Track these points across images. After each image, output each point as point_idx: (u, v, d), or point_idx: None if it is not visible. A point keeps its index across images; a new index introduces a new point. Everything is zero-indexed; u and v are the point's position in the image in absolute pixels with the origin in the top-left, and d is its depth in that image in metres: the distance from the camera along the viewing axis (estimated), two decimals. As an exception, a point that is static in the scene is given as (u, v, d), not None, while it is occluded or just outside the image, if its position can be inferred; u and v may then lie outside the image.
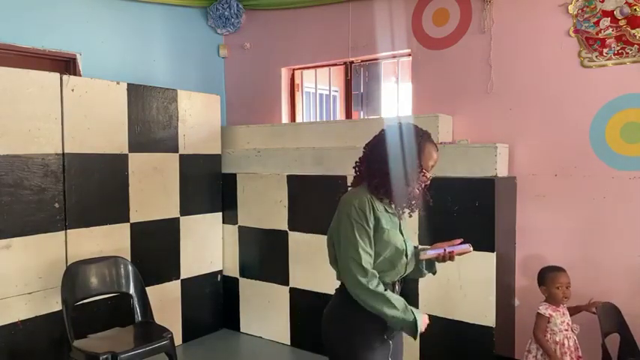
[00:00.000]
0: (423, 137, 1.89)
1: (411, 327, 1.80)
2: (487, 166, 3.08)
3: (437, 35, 3.68)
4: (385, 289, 1.80)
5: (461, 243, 1.91)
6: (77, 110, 3.26)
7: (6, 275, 2.93)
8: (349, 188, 1.97)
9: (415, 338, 1.82)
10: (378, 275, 1.81)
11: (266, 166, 4.01)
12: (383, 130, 1.93)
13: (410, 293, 3.21)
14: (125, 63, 4.04)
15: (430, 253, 1.87)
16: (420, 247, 2.03)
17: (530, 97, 3.33)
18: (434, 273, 2.07)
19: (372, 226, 1.80)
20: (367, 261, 1.78)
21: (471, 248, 1.86)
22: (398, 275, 1.89)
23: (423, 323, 1.84)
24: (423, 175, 1.87)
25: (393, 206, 1.88)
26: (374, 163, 1.88)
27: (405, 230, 1.95)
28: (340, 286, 1.91)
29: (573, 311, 2.91)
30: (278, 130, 4.14)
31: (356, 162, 1.97)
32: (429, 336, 3.27)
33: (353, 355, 1.84)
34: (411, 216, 1.96)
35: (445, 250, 1.82)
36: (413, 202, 1.90)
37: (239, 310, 4.24)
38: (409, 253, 1.91)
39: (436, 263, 2.00)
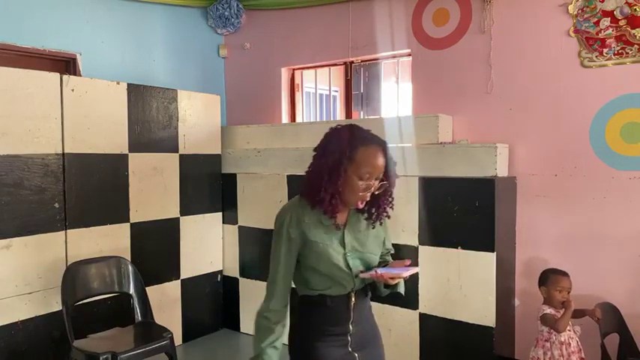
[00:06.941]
0: (355, 140, 1.63)
1: None
2: (487, 166, 3.08)
3: (437, 35, 3.68)
4: (276, 322, 1.67)
5: (409, 265, 1.73)
6: (77, 110, 3.26)
7: (6, 275, 2.93)
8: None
9: None
10: (285, 304, 1.70)
11: (266, 166, 4.01)
12: (328, 131, 1.73)
13: (410, 293, 3.21)
14: (125, 63, 4.04)
15: (369, 273, 1.69)
16: (391, 262, 1.83)
17: (530, 97, 3.33)
18: (397, 293, 1.79)
19: (293, 239, 1.68)
20: (273, 280, 1.69)
21: (406, 274, 1.66)
22: (346, 289, 1.70)
23: None
24: (359, 187, 1.62)
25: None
26: (310, 169, 1.72)
27: (353, 242, 1.72)
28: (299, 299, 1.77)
29: (577, 314, 2.86)
30: (278, 130, 4.14)
31: (308, 166, 1.76)
32: (430, 336, 3.31)
33: None
34: (373, 227, 1.76)
35: (376, 272, 1.64)
36: (363, 214, 1.74)
37: (239, 310, 4.24)
38: (352, 267, 1.69)
39: (402, 285, 1.79)
